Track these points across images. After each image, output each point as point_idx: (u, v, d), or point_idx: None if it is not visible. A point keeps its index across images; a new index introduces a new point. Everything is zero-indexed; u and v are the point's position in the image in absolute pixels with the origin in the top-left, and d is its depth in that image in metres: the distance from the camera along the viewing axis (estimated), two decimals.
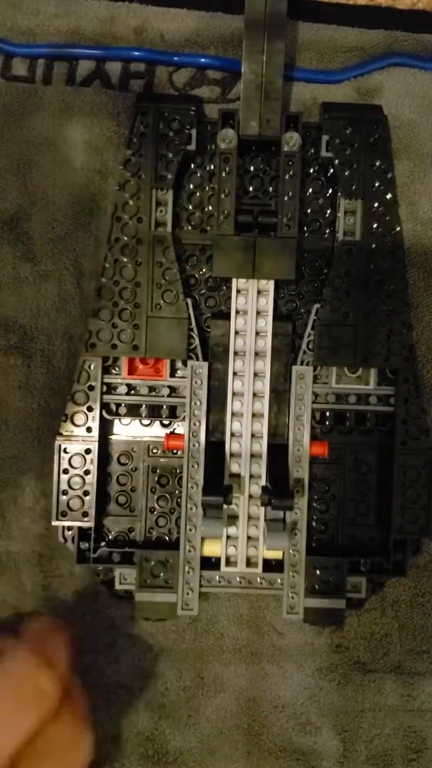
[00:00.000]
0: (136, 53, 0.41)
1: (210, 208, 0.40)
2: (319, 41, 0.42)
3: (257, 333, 0.39)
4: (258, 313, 0.39)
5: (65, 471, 0.39)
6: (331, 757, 0.41)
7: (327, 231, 0.41)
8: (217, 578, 0.39)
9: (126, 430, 0.41)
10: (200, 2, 0.41)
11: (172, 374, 0.40)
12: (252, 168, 0.41)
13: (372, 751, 0.41)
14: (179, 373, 0.40)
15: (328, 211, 0.41)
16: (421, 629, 0.42)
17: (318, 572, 0.39)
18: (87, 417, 0.39)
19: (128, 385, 0.40)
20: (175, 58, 0.41)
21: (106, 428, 0.40)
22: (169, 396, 0.40)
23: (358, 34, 0.42)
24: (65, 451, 0.39)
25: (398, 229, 0.39)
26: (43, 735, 0.28)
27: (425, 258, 0.42)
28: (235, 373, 0.39)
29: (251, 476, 0.39)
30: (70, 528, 0.39)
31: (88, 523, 0.39)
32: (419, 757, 0.41)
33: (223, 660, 0.41)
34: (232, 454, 0.39)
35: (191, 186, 0.41)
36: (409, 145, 0.42)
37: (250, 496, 0.39)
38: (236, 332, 0.39)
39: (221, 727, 0.41)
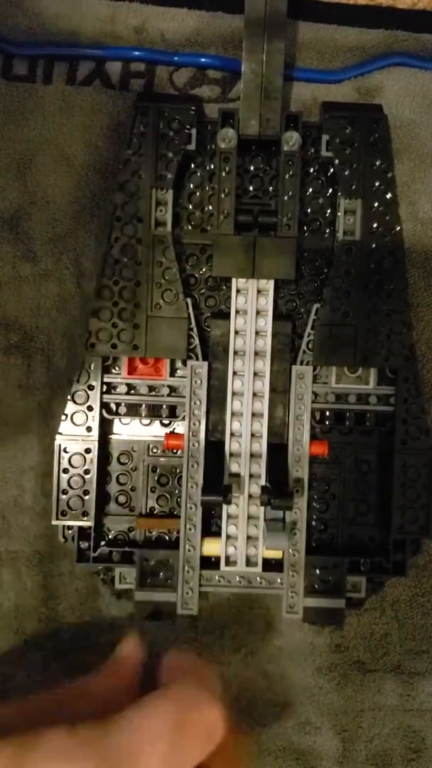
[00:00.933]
0: (136, 53, 0.41)
1: (210, 207, 0.40)
2: (319, 41, 0.42)
3: (257, 333, 0.39)
4: (258, 312, 0.39)
5: (65, 470, 0.39)
6: (330, 756, 0.41)
7: (327, 231, 0.41)
8: (217, 578, 0.39)
9: (126, 429, 0.41)
10: (201, 2, 0.41)
11: (172, 374, 0.40)
12: (252, 168, 0.41)
13: (372, 750, 0.41)
14: (179, 372, 0.40)
15: (328, 211, 0.41)
16: (420, 629, 0.42)
17: (318, 572, 0.39)
18: (87, 416, 0.39)
19: (128, 385, 0.40)
20: (176, 58, 0.41)
21: (106, 428, 0.40)
22: (168, 395, 0.40)
23: (359, 34, 0.42)
24: (65, 451, 0.39)
25: (398, 228, 0.39)
26: None
27: (425, 258, 0.42)
28: (234, 373, 0.39)
29: (251, 476, 0.39)
30: (70, 527, 0.39)
31: (88, 523, 0.39)
32: (419, 757, 0.41)
33: (223, 660, 0.41)
34: (231, 454, 0.39)
35: (191, 186, 0.41)
36: (409, 145, 0.42)
37: (250, 496, 0.39)
38: (236, 332, 0.39)
39: None
